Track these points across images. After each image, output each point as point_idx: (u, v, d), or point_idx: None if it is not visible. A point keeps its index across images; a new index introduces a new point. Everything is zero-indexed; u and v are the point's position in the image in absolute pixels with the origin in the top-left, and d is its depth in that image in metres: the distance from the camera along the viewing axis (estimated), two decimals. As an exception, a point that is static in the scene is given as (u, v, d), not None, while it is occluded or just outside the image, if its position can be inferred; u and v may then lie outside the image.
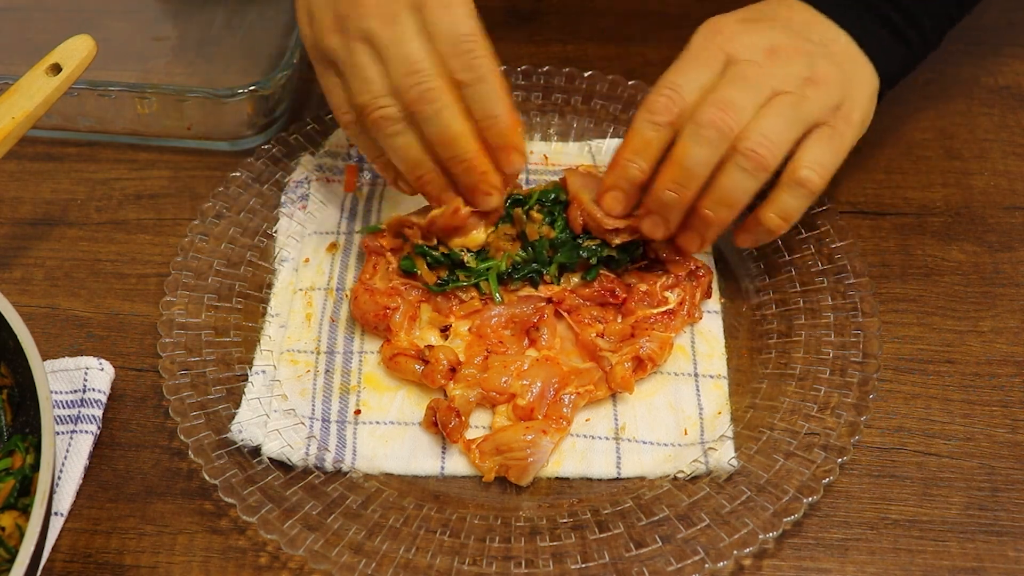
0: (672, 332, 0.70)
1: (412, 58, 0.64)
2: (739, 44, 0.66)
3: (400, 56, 0.65)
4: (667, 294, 0.71)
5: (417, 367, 0.68)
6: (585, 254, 0.72)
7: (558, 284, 0.72)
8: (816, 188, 0.65)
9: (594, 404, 0.69)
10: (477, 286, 0.72)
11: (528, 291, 0.72)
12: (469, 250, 0.72)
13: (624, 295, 0.71)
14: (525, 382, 0.67)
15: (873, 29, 0.70)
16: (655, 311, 0.71)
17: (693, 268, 0.72)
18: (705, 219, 0.67)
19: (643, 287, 0.72)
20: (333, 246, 0.77)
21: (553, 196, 0.74)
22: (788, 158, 0.65)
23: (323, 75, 0.70)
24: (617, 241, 0.71)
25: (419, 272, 0.72)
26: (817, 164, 0.65)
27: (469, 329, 0.71)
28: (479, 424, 0.68)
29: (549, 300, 0.71)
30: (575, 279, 0.73)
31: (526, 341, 0.70)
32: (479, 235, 0.71)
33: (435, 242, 0.72)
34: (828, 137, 0.66)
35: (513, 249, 0.73)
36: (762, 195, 0.67)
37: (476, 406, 0.68)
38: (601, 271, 0.72)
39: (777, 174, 0.66)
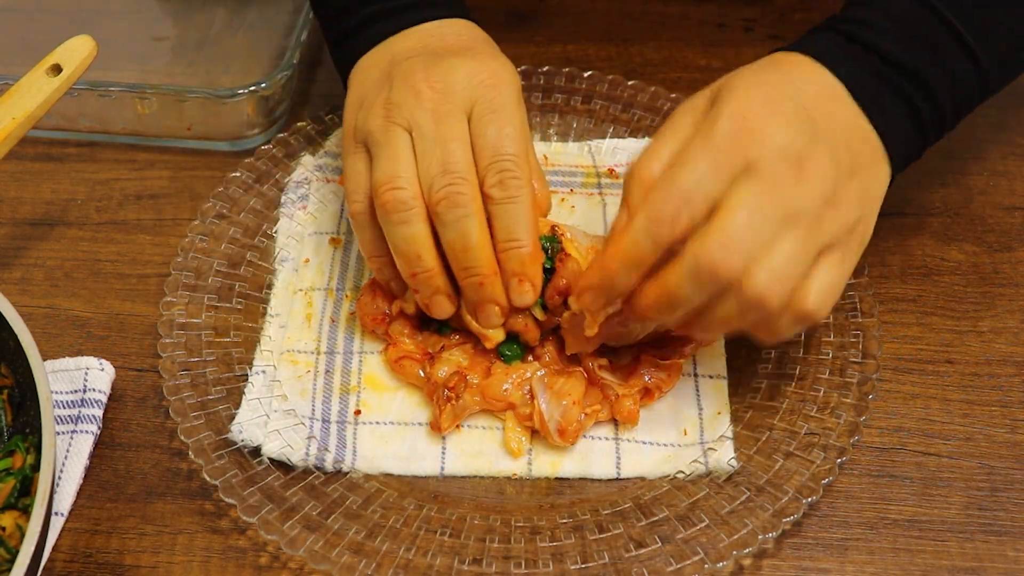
0: (682, 359, 0.68)
1: (450, 158, 0.63)
2: (765, 148, 0.57)
3: (439, 153, 0.63)
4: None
5: (421, 372, 0.68)
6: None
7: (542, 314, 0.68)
8: (821, 320, 0.60)
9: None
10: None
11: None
12: None
13: None
14: (526, 390, 0.67)
15: (894, 112, 0.64)
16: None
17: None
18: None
19: (621, 391, 0.67)
20: (335, 241, 0.77)
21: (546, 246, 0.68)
22: None
23: (350, 157, 0.67)
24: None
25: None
26: (826, 294, 0.59)
27: (464, 348, 0.69)
28: (481, 425, 0.68)
29: (537, 320, 0.68)
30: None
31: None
32: None
33: None
34: (839, 261, 0.60)
35: None
36: None
37: (480, 412, 0.68)
38: None
39: None
